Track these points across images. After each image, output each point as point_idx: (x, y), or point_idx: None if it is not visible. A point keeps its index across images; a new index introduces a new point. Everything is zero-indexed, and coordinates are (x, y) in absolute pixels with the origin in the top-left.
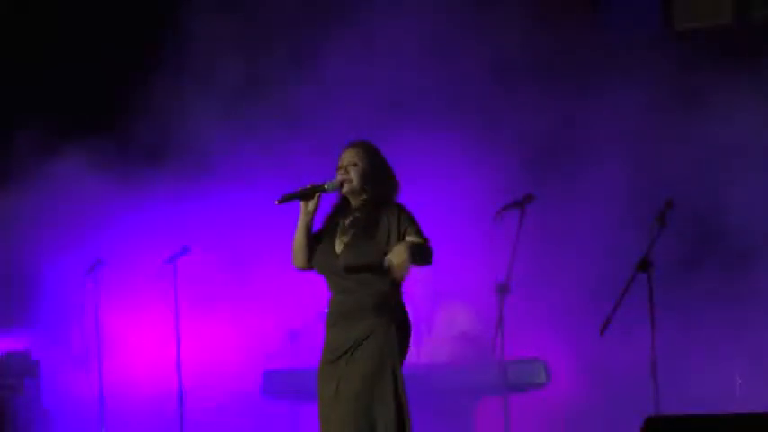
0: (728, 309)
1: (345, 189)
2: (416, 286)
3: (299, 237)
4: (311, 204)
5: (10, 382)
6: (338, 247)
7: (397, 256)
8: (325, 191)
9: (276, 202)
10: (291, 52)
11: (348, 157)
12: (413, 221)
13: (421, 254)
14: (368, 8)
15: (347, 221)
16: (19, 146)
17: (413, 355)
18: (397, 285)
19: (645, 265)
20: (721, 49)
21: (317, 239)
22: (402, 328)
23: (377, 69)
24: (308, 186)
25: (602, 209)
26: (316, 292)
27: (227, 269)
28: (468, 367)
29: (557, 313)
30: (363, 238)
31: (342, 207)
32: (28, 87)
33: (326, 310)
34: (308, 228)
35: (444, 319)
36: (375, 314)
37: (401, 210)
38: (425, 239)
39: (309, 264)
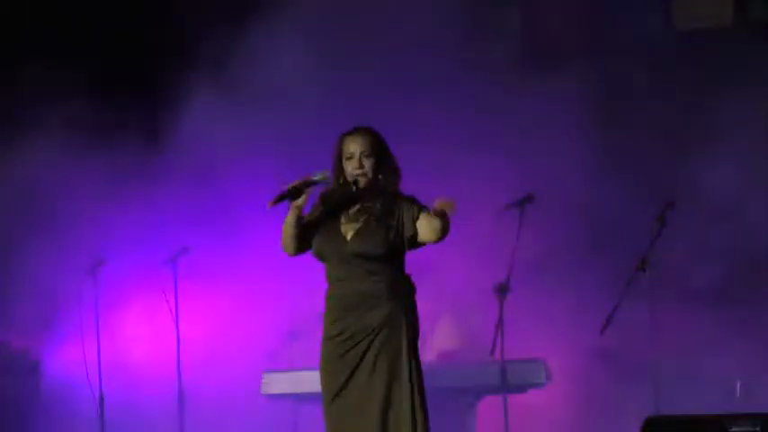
0: (729, 308)
1: (362, 184)
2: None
3: (288, 229)
4: (300, 200)
5: (10, 382)
6: (346, 232)
7: (442, 202)
8: (315, 183)
9: (269, 205)
10: (298, 48)
11: (359, 146)
12: (425, 206)
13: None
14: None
15: (354, 208)
16: (19, 144)
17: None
18: (402, 270)
19: (645, 265)
20: (721, 49)
21: (312, 224)
22: (415, 315)
23: (379, 59)
24: (298, 182)
25: (602, 208)
26: (316, 292)
27: (227, 269)
28: (468, 367)
29: (557, 313)
30: (377, 226)
31: (342, 192)
32: (27, 83)
33: (327, 303)
34: (299, 220)
35: (444, 331)
36: (390, 301)
37: (414, 200)
38: None
39: (299, 252)
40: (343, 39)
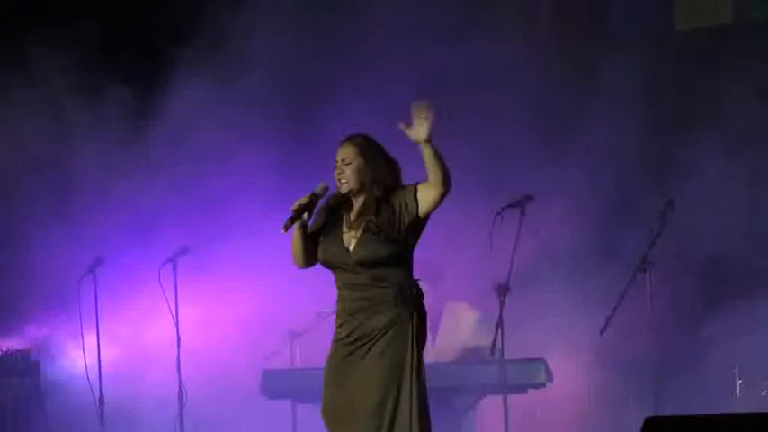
0: (729, 308)
1: (344, 190)
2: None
3: (296, 242)
4: (305, 216)
5: (10, 381)
6: (348, 242)
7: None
8: (317, 197)
9: (282, 232)
10: (303, 50)
11: (340, 155)
12: (415, 183)
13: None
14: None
15: (352, 214)
16: (20, 143)
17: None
18: (410, 275)
19: (645, 265)
20: (721, 50)
21: (316, 234)
22: (422, 317)
23: (379, 61)
24: (302, 200)
25: (602, 208)
26: (315, 292)
27: (227, 269)
28: (468, 367)
29: (557, 313)
30: (376, 231)
31: (342, 199)
32: (26, 80)
33: (337, 307)
34: (304, 233)
35: (450, 323)
36: (397, 306)
37: (404, 187)
38: None
39: (309, 264)
40: (340, 32)
